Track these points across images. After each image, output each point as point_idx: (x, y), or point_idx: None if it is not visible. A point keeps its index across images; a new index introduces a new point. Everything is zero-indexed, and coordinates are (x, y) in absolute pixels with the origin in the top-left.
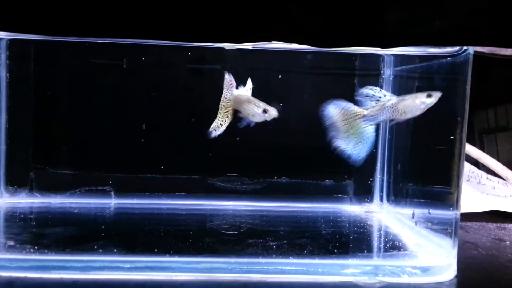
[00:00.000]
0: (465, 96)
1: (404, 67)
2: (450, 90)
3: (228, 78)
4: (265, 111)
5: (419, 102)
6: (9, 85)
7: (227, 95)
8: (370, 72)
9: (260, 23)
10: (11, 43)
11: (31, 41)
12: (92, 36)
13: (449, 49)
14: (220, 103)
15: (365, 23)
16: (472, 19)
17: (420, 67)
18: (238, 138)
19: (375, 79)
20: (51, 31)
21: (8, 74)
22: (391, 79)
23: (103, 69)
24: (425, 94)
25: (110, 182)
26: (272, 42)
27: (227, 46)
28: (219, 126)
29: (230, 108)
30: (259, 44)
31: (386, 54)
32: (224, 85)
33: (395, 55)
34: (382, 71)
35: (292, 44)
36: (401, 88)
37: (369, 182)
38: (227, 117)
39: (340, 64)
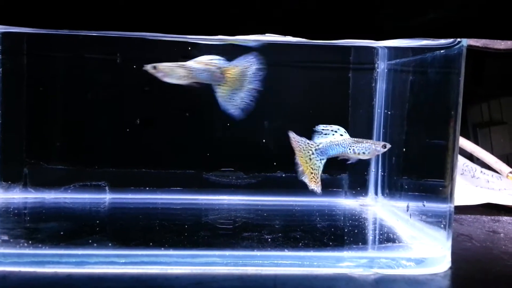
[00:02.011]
0: (459, 89)
1: (398, 60)
2: (444, 83)
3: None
4: (384, 146)
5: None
6: (2, 79)
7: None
8: (365, 66)
9: (254, 15)
10: (4, 36)
11: (24, 35)
12: (85, 29)
13: (442, 41)
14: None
15: (359, 15)
16: (466, 11)
17: (413, 61)
18: (233, 133)
19: (369, 73)
20: (44, 24)
21: (1, 69)
22: (385, 72)
23: (97, 64)
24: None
25: (105, 177)
26: (266, 34)
27: (221, 39)
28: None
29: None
30: (253, 37)
31: (380, 47)
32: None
33: (389, 48)
34: (376, 65)
35: (286, 36)
36: (396, 81)
37: (364, 175)
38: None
39: (335, 58)
